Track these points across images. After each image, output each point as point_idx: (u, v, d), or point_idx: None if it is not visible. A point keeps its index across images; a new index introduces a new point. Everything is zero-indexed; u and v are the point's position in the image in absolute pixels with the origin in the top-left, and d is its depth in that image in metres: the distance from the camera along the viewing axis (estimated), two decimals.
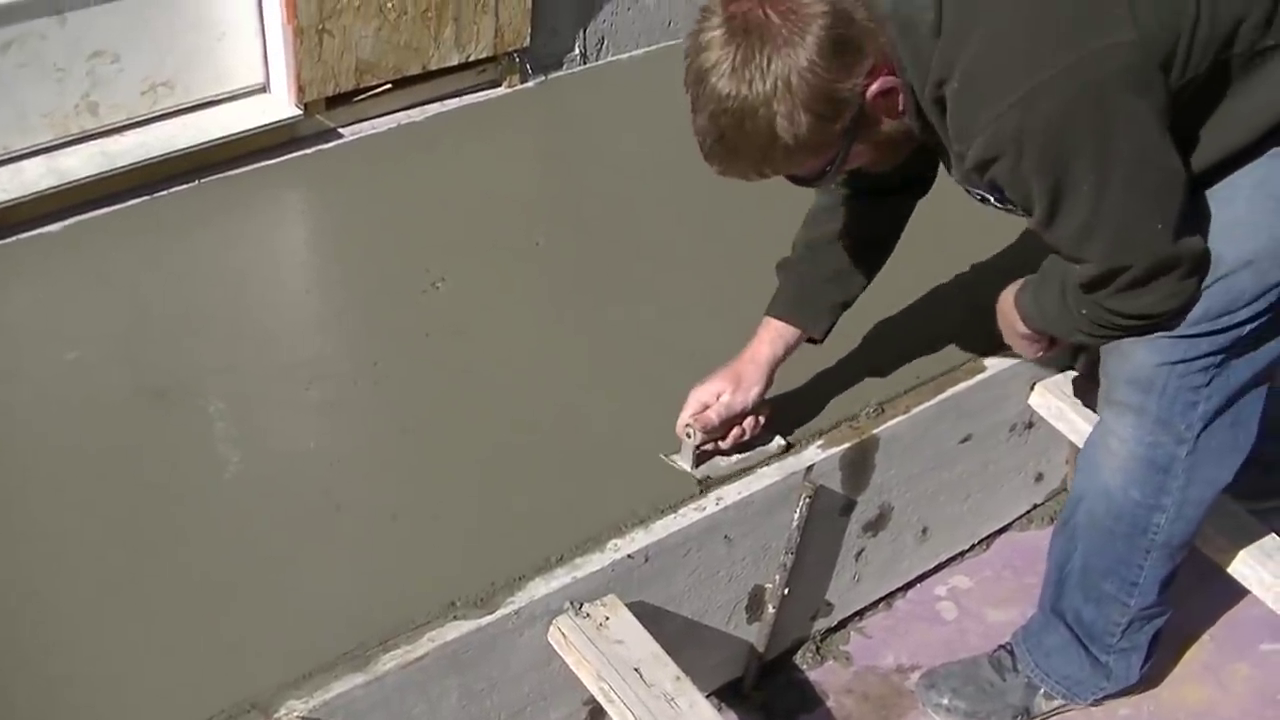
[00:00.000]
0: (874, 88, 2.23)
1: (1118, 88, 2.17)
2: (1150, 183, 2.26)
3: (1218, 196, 2.41)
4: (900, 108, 2.30)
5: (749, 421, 2.80)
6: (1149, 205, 2.28)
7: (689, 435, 2.76)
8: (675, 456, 2.82)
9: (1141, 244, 2.31)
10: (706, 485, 2.79)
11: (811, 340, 2.83)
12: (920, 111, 2.30)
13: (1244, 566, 2.99)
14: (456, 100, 4.15)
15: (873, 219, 2.77)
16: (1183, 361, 2.53)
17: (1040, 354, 2.82)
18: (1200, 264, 2.39)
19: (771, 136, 2.19)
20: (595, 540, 2.66)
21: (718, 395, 2.76)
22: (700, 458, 2.80)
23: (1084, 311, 2.46)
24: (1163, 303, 2.41)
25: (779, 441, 2.89)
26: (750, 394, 2.76)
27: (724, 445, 2.81)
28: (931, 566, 3.33)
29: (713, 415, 2.74)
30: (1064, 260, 2.42)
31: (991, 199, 2.42)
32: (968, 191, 2.47)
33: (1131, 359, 2.56)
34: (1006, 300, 2.73)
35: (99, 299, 3.33)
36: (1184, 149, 2.30)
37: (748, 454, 2.85)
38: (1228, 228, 2.40)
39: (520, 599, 2.54)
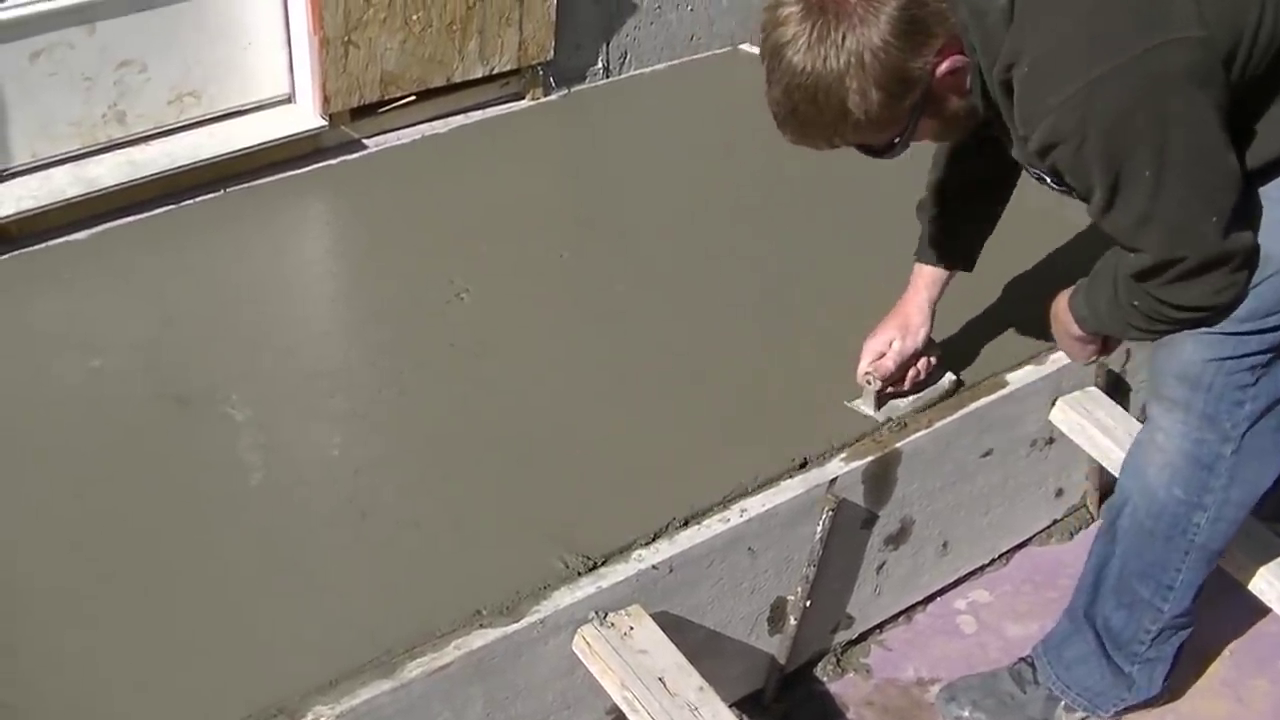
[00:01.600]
0: (943, 67, 2.29)
1: (1182, 82, 2.20)
2: (1208, 177, 2.28)
3: (1270, 195, 2.43)
4: (967, 87, 2.35)
5: (922, 362, 3.01)
6: (1205, 199, 2.30)
7: (869, 382, 2.96)
8: (858, 402, 3.02)
9: (1196, 236, 2.33)
10: (888, 426, 2.99)
11: (965, 269, 2.98)
12: (986, 93, 2.36)
13: (1264, 583, 3.00)
14: (480, 112, 4.18)
15: (995, 159, 2.74)
16: (1231, 359, 2.54)
17: (1093, 357, 2.83)
18: (1251, 259, 2.40)
19: (843, 111, 2.27)
20: (620, 550, 2.67)
21: (890, 342, 2.95)
22: (880, 400, 3.00)
23: (1136, 303, 2.47)
24: (1213, 295, 2.42)
25: (950, 377, 3.09)
26: (919, 336, 2.96)
27: (903, 387, 3.02)
28: (951, 580, 3.33)
29: (889, 362, 2.95)
30: (1120, 251, 2.44)
31: (1049, 180, 2.45)
32: (1026, 170, 2.51)
33: (1180, 354, 2.58)
34: (1060, 304, 2.75)
35: (124, 307, 3.36)
36: (1239, 145, 2.33)
37: (923, 393, 3.05)
38: (1278, 226, 2.42)
39: (546, 608, 2.55)
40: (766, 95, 2.34)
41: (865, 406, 3.01)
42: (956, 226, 2.93)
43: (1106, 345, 2.78)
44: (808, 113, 2.29)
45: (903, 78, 2.26)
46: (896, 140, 2.38)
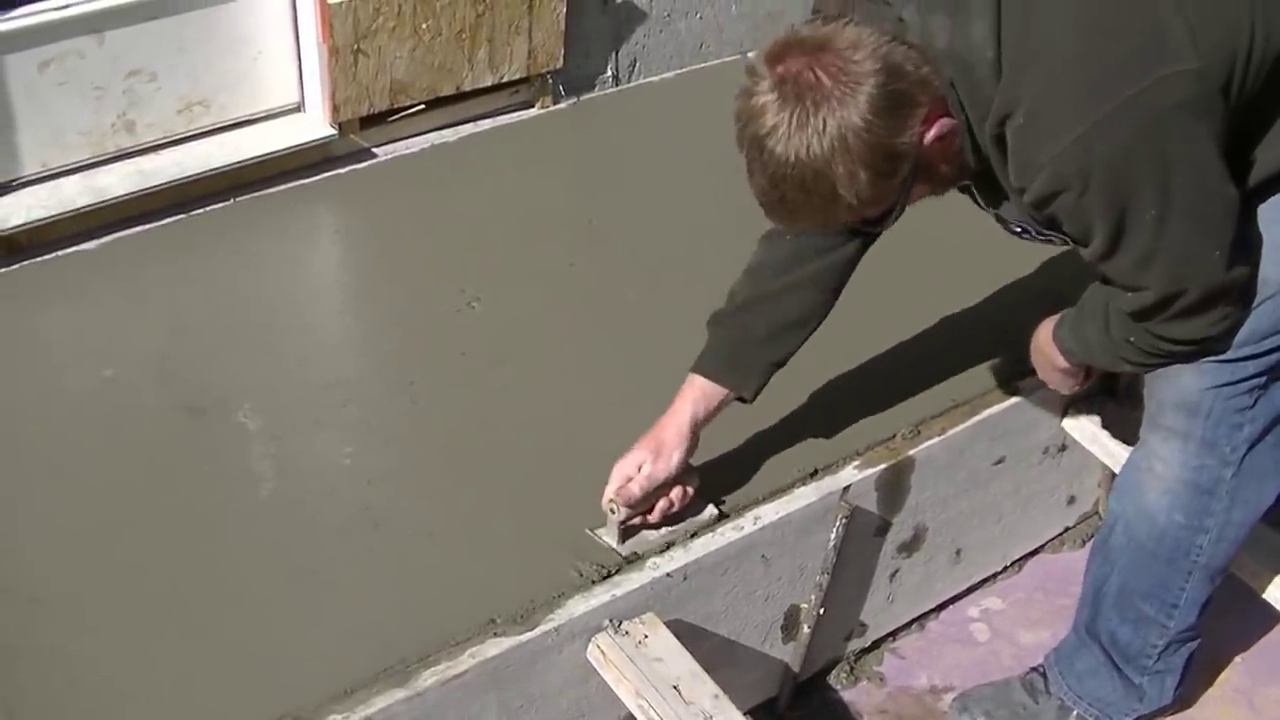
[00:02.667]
0: (930, 134, 2.22)
1: (1181, 117, 2.17)
2: (1210, 210, 2.26)
3: (1265, 217, 2.41)
4: (957, 148, 2.29)
5: (676, 492, 2.71)
6: (1208, 232, 2.28)
7: (612, 510, 2.66)
8: (601, 531, 2.73)
9: (1199, 270, 2.31)
10: (632, 560, 2.69)
11: (740, 400, 2.74)
12: (976, 147, 2.31)
13: (1277, 591, 2.99)
14: (490, 121, 4.18)
15: (825, 271, 2.71)
16: (1229, 384, 2.53)
17: (1077, 388, 2.83)
18: (1249, 288, 2.40)
19: (833, 195, 2.20)
20: (634, 558, 2.67)
21: (639, 466, 2.66)
22: (627, 532, 2.71)
23: (1131, 339, 2.45)
24: (1213, 327, 2.41)
25: (711, 511, 2.78)
26: (672, 461, 2.66)
27: (651, 519, 2.72)
28: (964, 588, 3.33)
29: (634, 488, 2.65)
30: (1114, 289, 2.42)
31: (1031, 231, 2.43)
32: (1004, 225, 2.48)
33: (1178, 384, 2.57)
34: (1043, 336, 2.73)
35: (135, 316, 3.36)
36: (1234, 167, 2.31)
37: (678, 526, 2.75)
38: (1274, 249, 2.41)
39: (560, 616, 2.55)
40: (750, 183, 2.27)
41: (608, 537, 2.71)
42: (754, 346, 2.72)
43: (1089, 374, 2.77)
44: (797, 200, 2.22)
45: (890, 154, 2.19)
46: (889, 213, 2.32)
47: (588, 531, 2.74)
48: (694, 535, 2.75)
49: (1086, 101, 2.17)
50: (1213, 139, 2.22)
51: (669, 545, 2.72)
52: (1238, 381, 2.53)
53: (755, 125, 2.18)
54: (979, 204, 2.52)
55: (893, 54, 2.17)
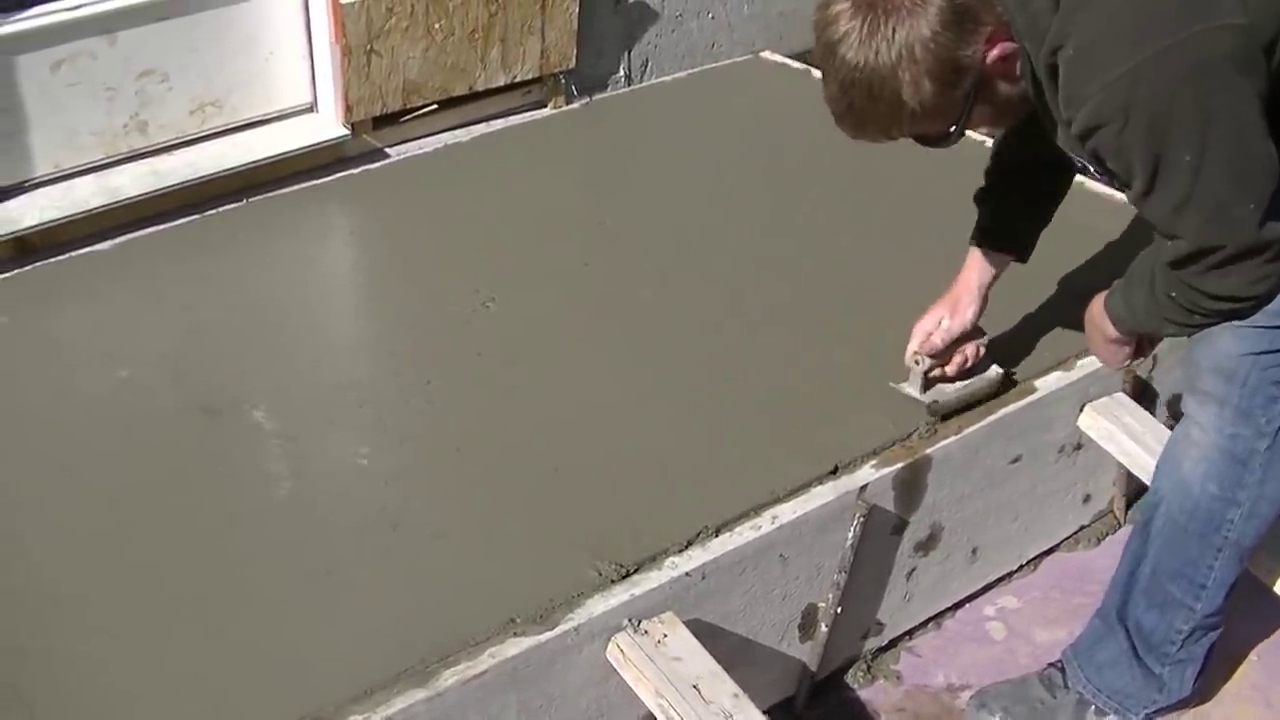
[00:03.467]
0: (993, 54, 2.32)
1: (1224, 68, 2.21)
2: (1247, 163, 2.29)
3: None
4: (1017, 72, 2.38)
5: (970, 348, 3.01)
6: (1244, 185, 2.30)
7: (917, 362, 2.97)
8: (904, 385, 3.02)
9: (1234, 223, 2.33)
10: (935, 410, 2.99)
11: (1019, 259, 2.99)
12: (1034, 77, 2.38)
13: None
14: (502, 121, 4.18)
15: (1048, 151, 2.76)
16: (1267, 353, 2.55)
17: (1127, 361, 2.82)
18: None
19: (898, 103, 2.32)
20: (653, 558, 2.66)
21: (939, 321, 2.98)
22: (928, 384, 3.00)
23: (1173, 294, 2.47)
24: (1250, 286, 2.41)
25: (997, 370, 3.07)
26: (968, 315, 2.97)
27: (949, 371, 3.01)
28: (980, 587, 3.32)
29: (937, 340, 2.97)
30: (1158, 241, 2.46)
31: (1091, 168, 2.47)
32: (1069, 156, 2.52)
33: (1217, 348, 2.59)
34: (1095, 308, 2.76)
35: (150, 317, 3.36)
36: (1275, 134, 2.32)
37: (970, 380, 3.04)
38: None
39: (579, 615, 2.55)
40: (823, 93, 2.40)
41: (911, 389, 3.01)
42: (1013, 214, 2.96)
43: (1140, 349, 2.78)
44: (864, 106, 2.35)
45: (954, 67, 2.30)
46: (952, 129, 2.43)
47: (890, 384, 3.03)
48: (981, 398, 3.02)
49: (1136, 40, 2.22)
50: (1255, 96, 2.24)
51: (965, 407, 3.05)
52: (1276, 351, 2.54)
53: (829, 33, 2.33)
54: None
55: None
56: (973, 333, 3.00)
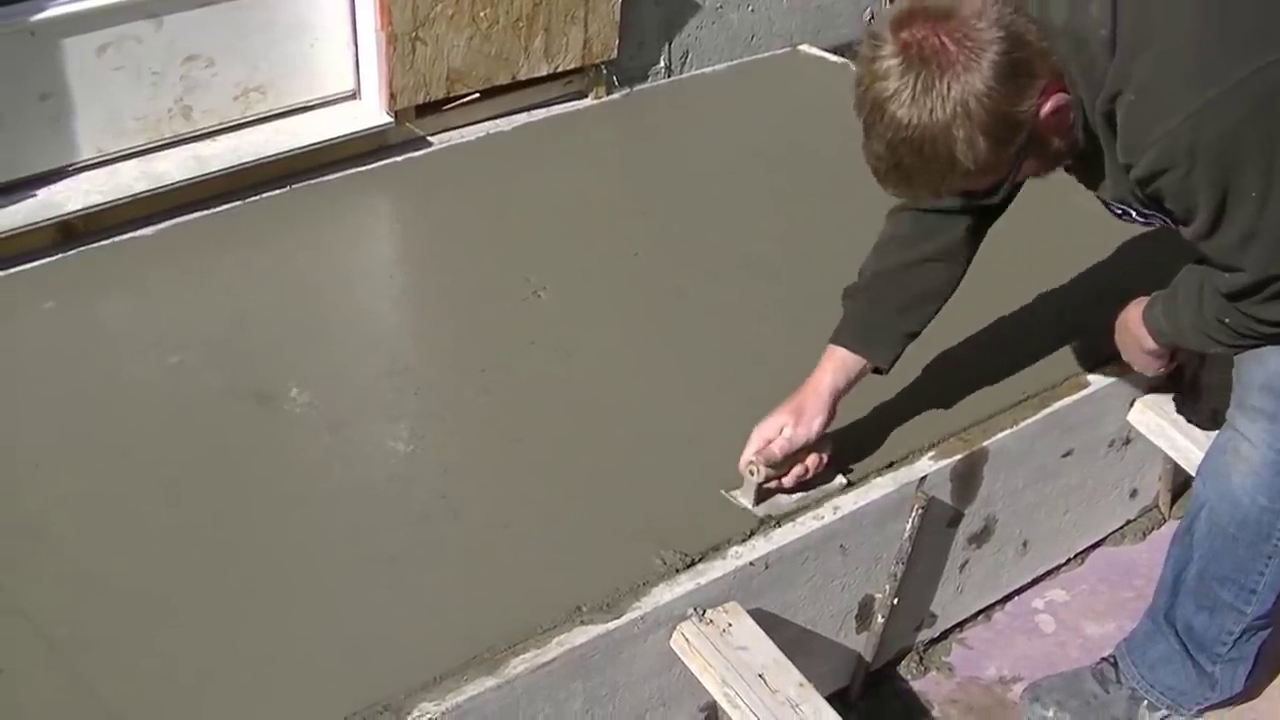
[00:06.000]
0: (1047, 106, 2.26)
1: None
2: None
3: None
4: (1070, 123, 2.33)
5: (811, 459, 2.76)
6: None
7: (752, 472, 2.72)
8: (736, 493, 2.78)
9: None
10: (765, 522, 2.74)
11: (877, 371, 2.80)
12: (1087, 125, 2.34)
13: None
14: (544, 111, 4.18)
15: (951, 245, 2.75)
16: None
17: (1162, 370, 2.83)
18: None
19: (950, 161, 2.22)
20: (716, 547, 2.66)
21: (780, 429, 2.72)
22: (762, 495, 2.76)
23: (1226, 320, 2.47)
24: None
25: (840, 480, 2.84)
26: (813, 426, 2.72)
27: (786, 483, 2.77)
28: (1030, 579, 3.33)
29: (776, 450, 2.71)
30: (1210, 270, 2.44)
31: (1133, 213, 2.44)
32: (1107, 206, 2.51)
33: (1268, 365, 2.58)
34: (1131, 317, 2.75)
35: (197, 303, 3.36)
36: None
37: (809, 492, 2.80)
38: None
39: (645, 604, 2.55)
40: (865, 149, 2.29)
41: (744, 498, 2.77)
42: (887, 317, 2.78)
43: (1173, 358, 2.78)
44: (914, 165, 2.25)
45: (1009, 123, 2.22)
46: (1000, 183, 2.36)
47: (722, 493, 2.79)
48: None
49: (1199, 81, 2.20)
50: None
51: (799, 510, 2.78)
52: None
53: (877, 89, 2.21)
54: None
55: (1015, 23, 2.21)
56: (817, 443, 2.75)
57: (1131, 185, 2.35)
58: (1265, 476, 2.67)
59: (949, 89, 2.16)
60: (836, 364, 2.76)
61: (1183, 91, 2.21)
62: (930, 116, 2.18)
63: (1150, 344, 2.72)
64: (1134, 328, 2.74)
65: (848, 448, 2.90)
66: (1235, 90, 2.18)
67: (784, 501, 2.79)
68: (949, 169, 2.24)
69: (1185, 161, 2.23)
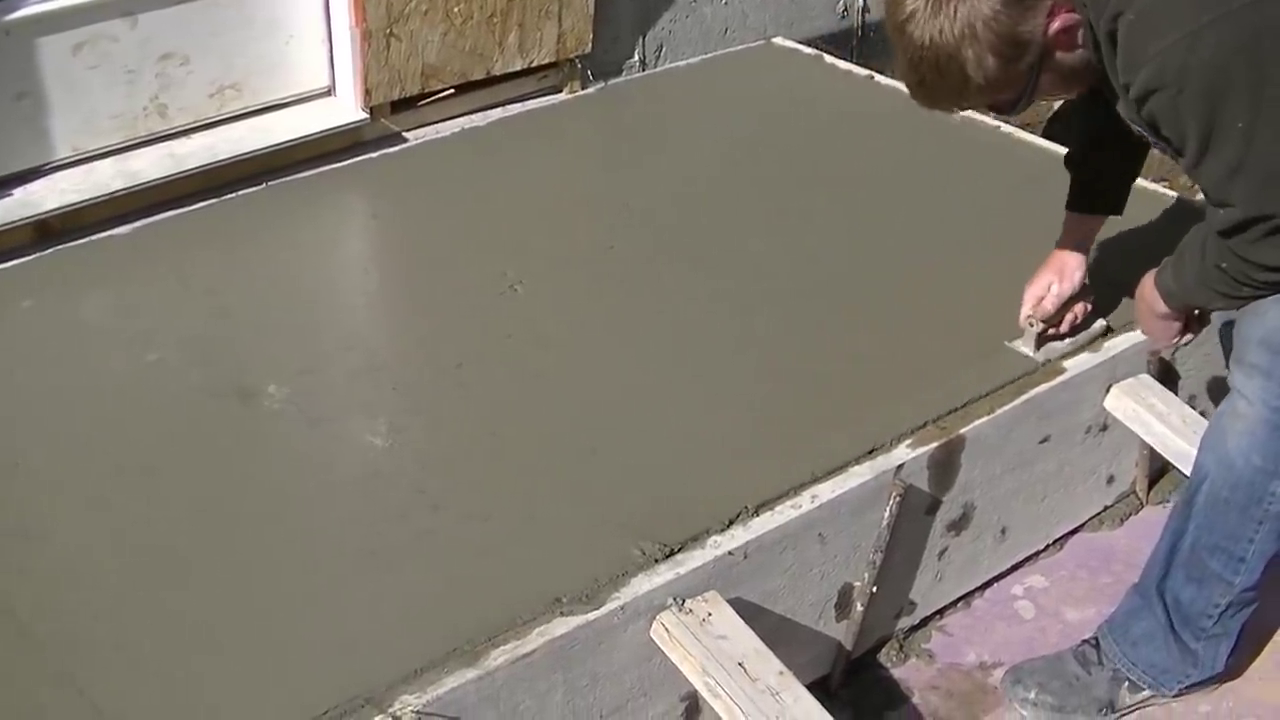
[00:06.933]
0: (1055, 26, 2.41)
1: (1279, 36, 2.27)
2: None
3: None
4: (1079, 41, 2.46)
5: (1079, 307, 3.17)
6: None
7: (1030, 324, 3.13)
8: (1018, 342, 3.18)
9: None
10: (1047, 365, 3.14)
11: (1114, 213, 3.13)
12: (1097, 45, 2.44)
13: None
14: (519, 105, 4.19)
15: (1113, 133, 2.85)
16: None
17: (1175, 339, 2.87)
18: None
19: (964, 78, 2.43)
20: (695, 537, 2.67)
21: (1048, 286, 3.12)
22: (1040, 341, 3.16)
23: (1223, 265, 2.52)
24: None
25: (1101, 324, 3.24)
26: (1075, 279, 3.13)
27: (1061, 330, 3.18)
28: (1008, 566, 3.34)
29: (1049, 304, 3.12)
30: (1209, 212, 2.50)
31: (1148, 136, 2.54)
32: (1131, 125, 2.58)
33: (1265, 320, 2.61)
34: (1146, 284, 2.82)
35: (175, 300, 3.36)
36: None
37: (1077, 336, 3.21)
38: None
39: (625, 595, 2.55)
40: (895, 68, 2.54)
41: (1026, 348, 3.16)
42: (1102, 175, 3.07)
43: (1189, 326, 2.81)
44: (933, 81, 2.46)
45: (1015, 42, 2.39)
46: (1020, 98, 2.52)
47: (1005, 344, 3.18)
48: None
49: (1195, 7, 2.29)
50: None
51: (1075, 351, 3.21)
52: None
53: (896, 12, 2.45)
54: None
55: None
56: (1080, 293, 3.14)
57: (1131, 106, 2.44)
58: (1260, 435, 2.68)
59: (956, 11, 2.37)
60: (1078, 225, 3.14)
61: (1180, 13, 2.29)
62: (941, 36, 2.39)
63: (1162, 307, 2.79)
64: (1147, 293, 2.81)
65: (826, 436, 2.91)
66: (1232, 18, 2.27)
67: (1060, 346, 3.20)
68: (964, 84, 2.44)
69: (1175, 82, 2.32)
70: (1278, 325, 2.59)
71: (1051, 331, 3.16)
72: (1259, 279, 2.51)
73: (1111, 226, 3.24)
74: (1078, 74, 2.54)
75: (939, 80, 2.45)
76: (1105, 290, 3.21)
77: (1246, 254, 2.47)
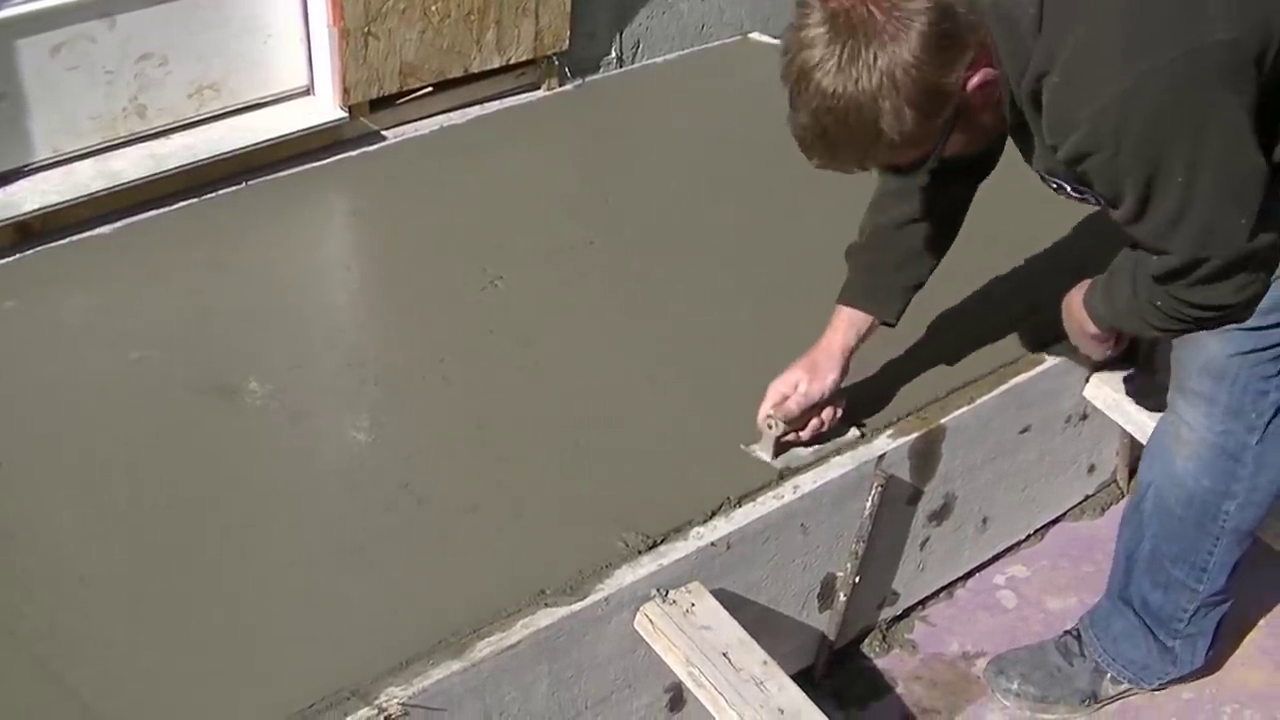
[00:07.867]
0: (974, 80, 2.23)
1: (1214, 84, 2.17)
2: (1238, 178, 2.26)
3: None
4: (997, 97, 2.30)
5: (827, 412, 2.85)
6: (1235, 199, 2.27)
7: (770, 426, 2.80)
8: (755, 447, 2.86)
9: (1224, 237, 2.30)
10: (785, 475, 2.82)
11: (885, 324, 2.86)
12: (1014, 103, 2.32)
13: None
14: (497, 103, 4.20)
15: (940, 201, 2.78)
16: (1254, 351, 2.57)
17: (1108, 353, 2.84)
18: (1272, 256, 2.39)
19: (875, 132, 2.20)
20: (678, 528, 2.68)
21: (795, 385, 2.80)
22: (780, 449, 2.84)
23: (1158, 304, 2.44)
24: (1235, 294, 2.39)
25: (854, 432, 2.93)
26: (826, 382, 2.80)
27: (803, 436, 2.85)
28: (990, 556, 3.36)
29: (793, 405, 2.79)
30: (1142, 253, 2.41)
31: (1068, 188, 2.44)
32: (1043, 179, 2.49)
33: (1205, 349, 2.60)
34: (1074, 301, 2.75)
35: (156, 299, 3.36)
36: (1263, 140, 2.30)
37: (825, 444, 2.89)
38: None
39: (609, 586, 2.56)
40: (790, 119, 2.27)
41: (762, 452, 2.85)
42: (889, 272, 2.83)
43: (1119, 340, 2.79)
44: (838, 135, 2.22)
45: (936, 94, 2.19)
46: (926, 157, 2.32)
47: (741, 447, 2.87)
48: (837, 454, 2.86)
49: (1123, 64, 2.17)
50: (1244, 109, 2.21)
51: (817, 461, 2.88)
52: (1263, 349, 2.56)
53: (803, 57, 2.19)
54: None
55: None
56: (831, 398, 2.84)
57: (1060, 165, 2.33)
58: (1207, 458, 2.69)
59: (875, 59, 2.14)
60: (846, 321, 2.83)
61: (1107, 74, 2.17)
62: (856, 86, 2.15)
63: (1092, 328, 2.71)
64: (1076, 312, 2.73)
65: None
66: (1158, 74, 2.15)
67: (802, 453, 2.88)
68: (874, 140, 2.21)
69: (1111, 144, 2.20)
70: (1216, 354, 2.59)
71: (792, 437, 2.85)
72: (1195, 316, 2.43)
73: (1033, 235, 3.20)
74: (986, 132, 2.38)
75: (844, 135, 2.21)
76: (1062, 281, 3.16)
77: (1182, 296, 2.39)
